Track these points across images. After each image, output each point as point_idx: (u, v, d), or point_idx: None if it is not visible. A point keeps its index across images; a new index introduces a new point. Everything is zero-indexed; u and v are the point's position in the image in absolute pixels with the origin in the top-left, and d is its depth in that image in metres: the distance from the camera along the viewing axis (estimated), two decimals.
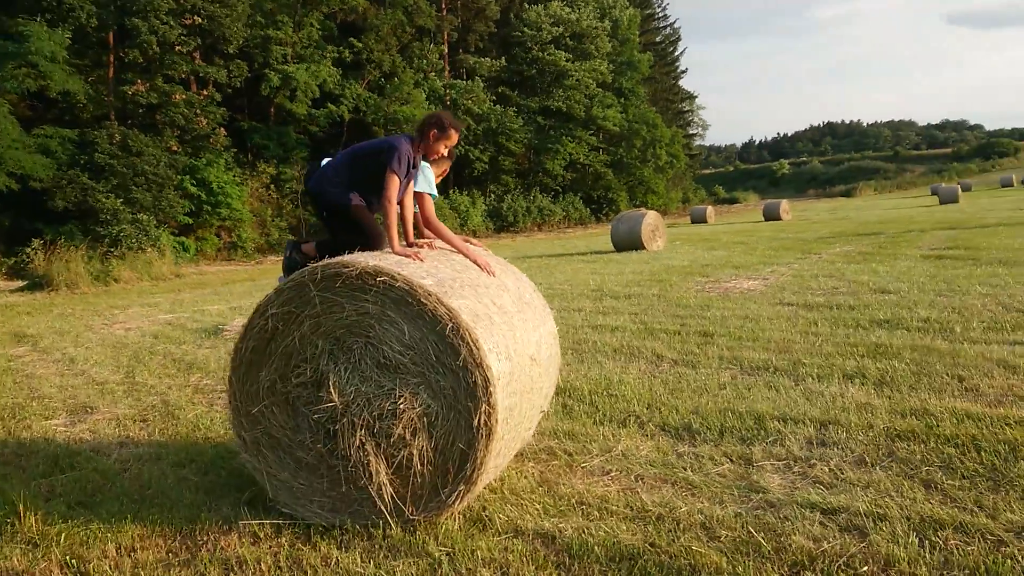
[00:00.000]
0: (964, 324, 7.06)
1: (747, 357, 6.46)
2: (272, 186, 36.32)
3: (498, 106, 44.34)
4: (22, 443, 5.24)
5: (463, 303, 3.51)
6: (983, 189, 60.01)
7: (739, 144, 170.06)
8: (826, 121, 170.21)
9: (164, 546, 3.48)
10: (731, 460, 4.12)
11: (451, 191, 43.35)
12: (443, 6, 43.71)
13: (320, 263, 3.61)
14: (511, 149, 45.18)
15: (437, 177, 4.58)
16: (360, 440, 3.49)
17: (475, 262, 4.12)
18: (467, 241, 4.43)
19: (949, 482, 3.58)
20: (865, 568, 2.85)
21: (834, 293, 9.77)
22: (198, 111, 31.29)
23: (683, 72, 70.20)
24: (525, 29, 45.85)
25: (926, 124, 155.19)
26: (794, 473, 3.89)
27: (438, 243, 4.37)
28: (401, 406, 3.45)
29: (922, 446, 4.06)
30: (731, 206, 65.70)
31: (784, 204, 38.72)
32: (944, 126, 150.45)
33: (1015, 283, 9.31)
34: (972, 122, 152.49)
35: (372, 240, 4.08)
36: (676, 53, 68.20)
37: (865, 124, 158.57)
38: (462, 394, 3.40)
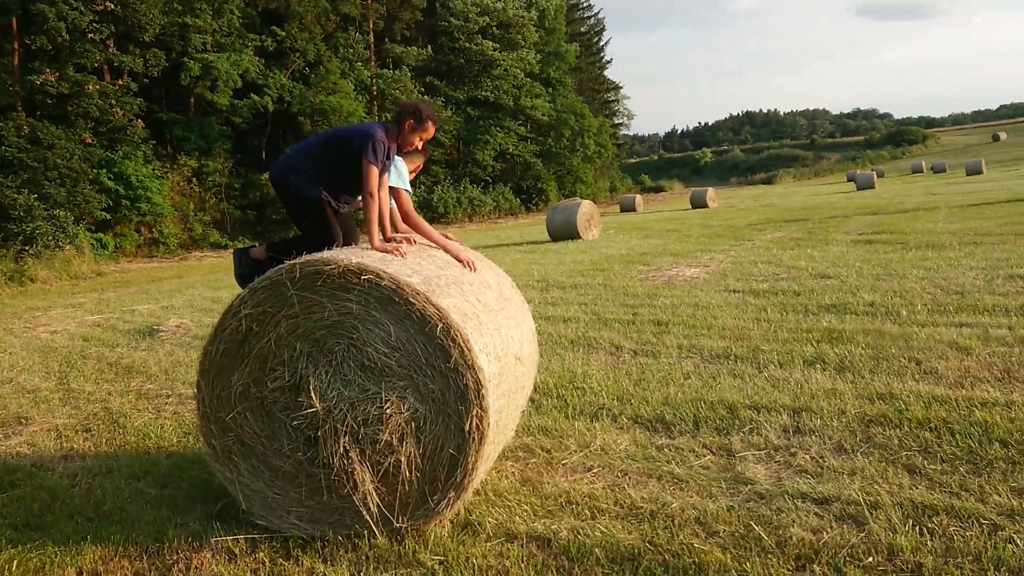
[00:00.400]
0: (908, 307, 7.23)
1: (705, 345, 6.48)
2: (194, 180, 35.11)
3: (426, 96, 43.87)
4: None
5: (451, 302, 3.36)
6: (895, 175, 62.42)
7: (662, 133, 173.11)
8: (745, 111, 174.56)
9: (130, 567, 3.24)
10: (711, 451, 4.09)
11: None
12: None
13: (299, 260, 3.39)
14: (440, 139, 44.75)
15: (411, 173, 4.39)
16: (344, 447, 3.31)
17: (457, 258, 3.97)
18: (445, 236, 4.25)
19: (931, 467, 3.61)
20: (870, 559, 2.84)
21: (776, 279, 9.93)
22: (113, 102, 29.93)
23: (608, 62, 70.87)
24: (452, 19, 45.45)
25: (839, 113, 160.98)
26: (777, 463, 3.88)
27: (416, 238, 4.19)
28: (388, 411, 3.28)
29: (897, 431, 4.10)
30: (657, 194, 66.67)
31: (711, 192, 39.47)
32: (856, 115, 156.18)
33: (947, 266, 9.63)
34: (882, 111, 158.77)
35: (330, 236, 3.87)
36: (601, 44, 68.71)
37: (782, 113, 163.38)
38: (451, 397, 3.25)
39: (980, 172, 45.99)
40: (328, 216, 3.89)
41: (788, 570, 2.83)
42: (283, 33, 37.05)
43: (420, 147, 4.14)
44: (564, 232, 21.04)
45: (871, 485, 3.46)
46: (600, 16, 69.20)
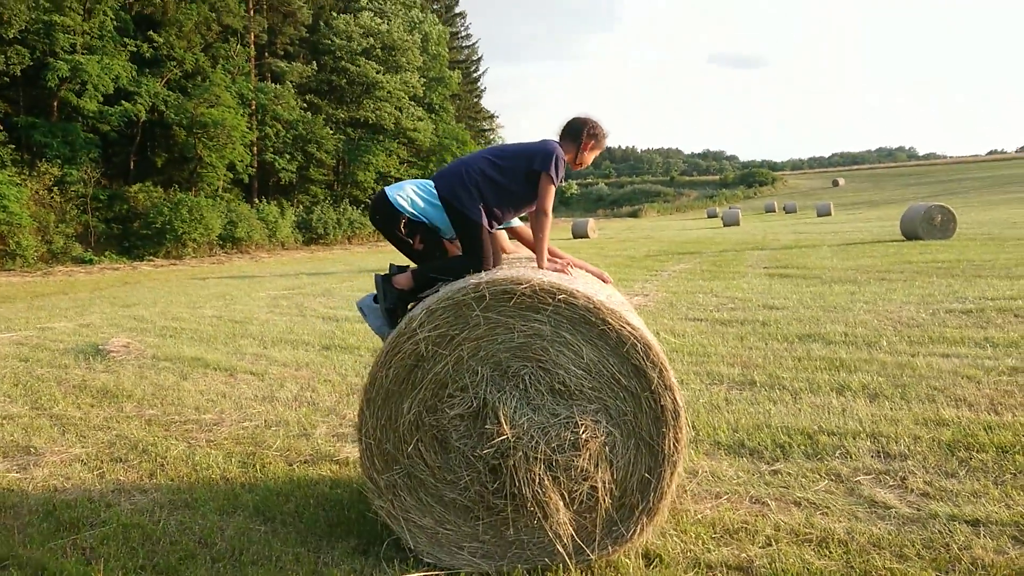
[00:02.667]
0: (880, 338, 7.70)
1: (720, 372, 6.64)
2: (56, 189, 32.50)
3: (308, 114, 42.86)
4: None
5: (636, 321, 3.30)
6: (750, 213, 66.48)
7: None
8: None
9: None
10: (822, 476, 4.20)
11: (257, 200, 41.23)
12: (251, 6, 41.55)
13: (483, 279, 3.22)
14: (321, 159, 43.81)
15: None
16: (538, 475, 3.17)
17: (600, 277, 3.92)
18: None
19: None
20: None
21: (728, 309, 10.33)
22: None
23: (484, 91, 71.65)
24: (335, 37, 44.71)
25: (691, 153, 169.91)
26: (893, 487, 4.03)
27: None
28: (584, 435, 3.17)
29: (983, 454, 4.36)
30: (528, 224, 67.76)
31: (591, 222, 40.62)
32: (706, 155, 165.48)
33: (880, 300, 10.33)
34: (729, 153, 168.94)
35: (486, 265, 3.67)
36: (478, 73, 69.51)
37: (639, 150, 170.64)
38: (645, 419, 3.19)
39: (829, 214, 49.82)
40: (487, 241, 3.70)
41: None
42: (160, 39, 35.25)
43: (585, 167, 4.03)
44: None
45: (1006, 507, 3.66)
46: (477, 46, 69.95)
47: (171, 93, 36.02)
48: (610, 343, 3.19)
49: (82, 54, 31.83)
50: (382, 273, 3.80)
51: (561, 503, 3.20)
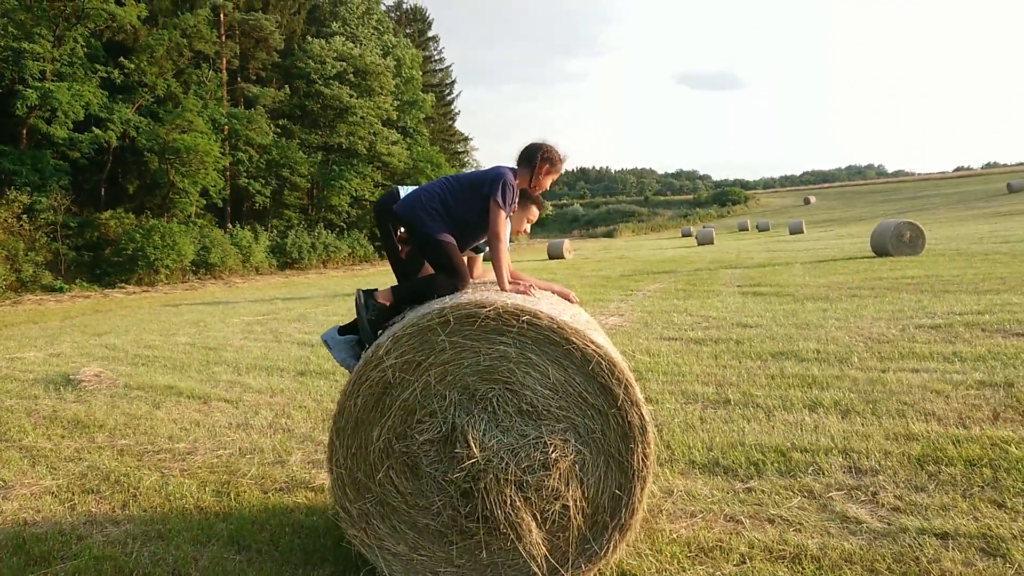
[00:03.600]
0: (850, 355, 7.80)
1: (695, 391, 6.70)
2: (25, 217, 32.10)
3: (282, 139, 42.80)
4: None
5: (601, 339, 3.34)
6: (724, 232, 67.09)
7: None
8: (579, 167, 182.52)
9: None
10: (794, 493, 4.25)
11: (230, 225, 41.00)
12: (222, 32, 41.54)
13: (448, 304, 3.26)
14: (295, 183, 43.74)
15: (516, 231, 4.29)
16: (509, 497, 3.18)
17: (564, 296, 3.99)
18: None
19: (1014, 499, 3.94)
20: None
21: (702, 328, 10.41)
22: None
23: (458, 114, 72.05)
24: (309, 61, 44.78)
25: (664, 173, 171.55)
26: (864, 502, 4.09)
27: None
28: (553, 455, 3.20)
29: (951, 468, 4.43)
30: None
31: (567, 243, 40.77)
32: (679, 175, 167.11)
33: (851, 317, 10.47)
34: (702, 172, 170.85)
35: (460, 280, 3.73)
36: (451, 96, 69.89)
37: (613, 171, 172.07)
38: (613, 436, 3.23)
39: (801, 231, 50.38)
40: (457, 258, 3.75)
41: None
42: (131, 66, 35.10)
43: (547, 187, 4.09)
44: None
45: (974, 520, 3.72)
46: (450, 69, 70.42)
47: (142, 119, 35.84)
48: (575, 362, 3.23)
49: (52, 81, 31.61)
50: (365, 289, 3.85)
51: (533, 524, 3.22)
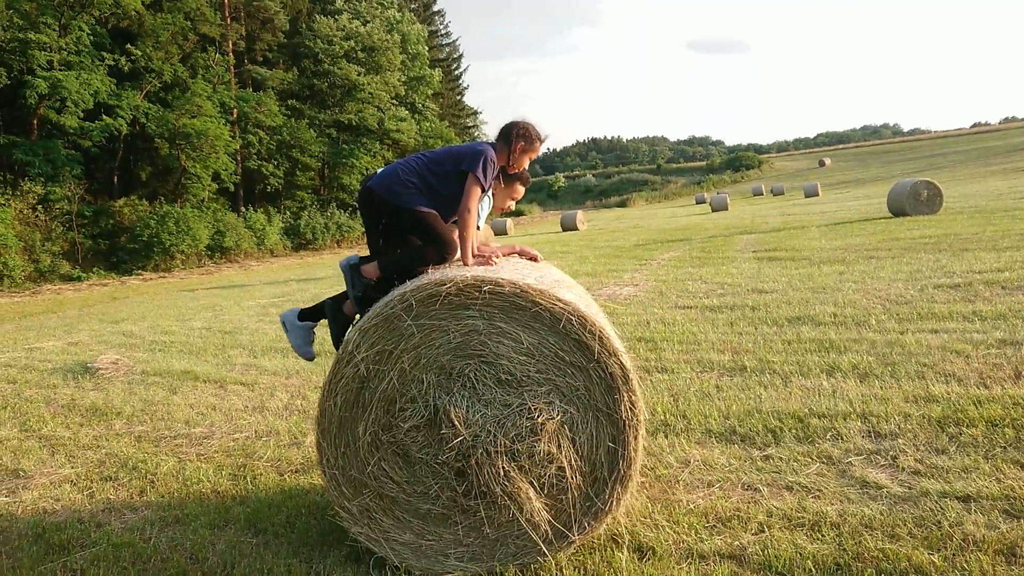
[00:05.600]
0: (869, 317, 7.70)
1: (711, 359, 6.64)
2: (40, 207, 32.34)
3: (291, 120, 42.72)
4: None
5: (569, 295, 3.29)
6: (739, 198, 66.53)
7: None
8: (590, 137, 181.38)
9: None
10: (813, 459, 4.20)
11: (243, 208, 41.10)
12: (227, 14, 41.35)
13: (408, 287, 3.22)
14: (306, 163, 43.71)
15: (500, 208, 4.24)
16: (502, 468, 3.16)
17: (528, 255, 4.02)
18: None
19: None
20: None
21: (717, 295, 10.32)
22: None
23: (466, 88, 71.63)
24: (317, 40, 44.54)
25: (676, 140, 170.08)
26: (885, 467, 4.03)
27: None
28: (540, 419, 3.16)
29: (973, 429, 4.36)
30: (519, 218, 67.83)
31: (580, 214, 40.57)
32: (692, 141, 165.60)
33: (869, 279, 10.33)
34: (715, 138, 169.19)
35: (446, 248, 3.68)
36: (459, 70, 69.44)
37: (625, 140, 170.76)
38: (597, 390, 3.20)
39: (817, 194, 49.86)
40: (441, 226, 3.71)
41: (1001, 564, 2.94)
42: (138, 52, 35.07)
43: (527, 166, 4.03)
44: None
45: (997, 481, 3.66)
46: (457, 43, 69.88)
47: (151, 106, 35.86)
48: (545, 323, 3.18)
49: (60, 70, 31.65)
50: (351, 263, 3.81)
51: (532, 491, 3.20)
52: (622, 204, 76.93)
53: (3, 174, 31.96)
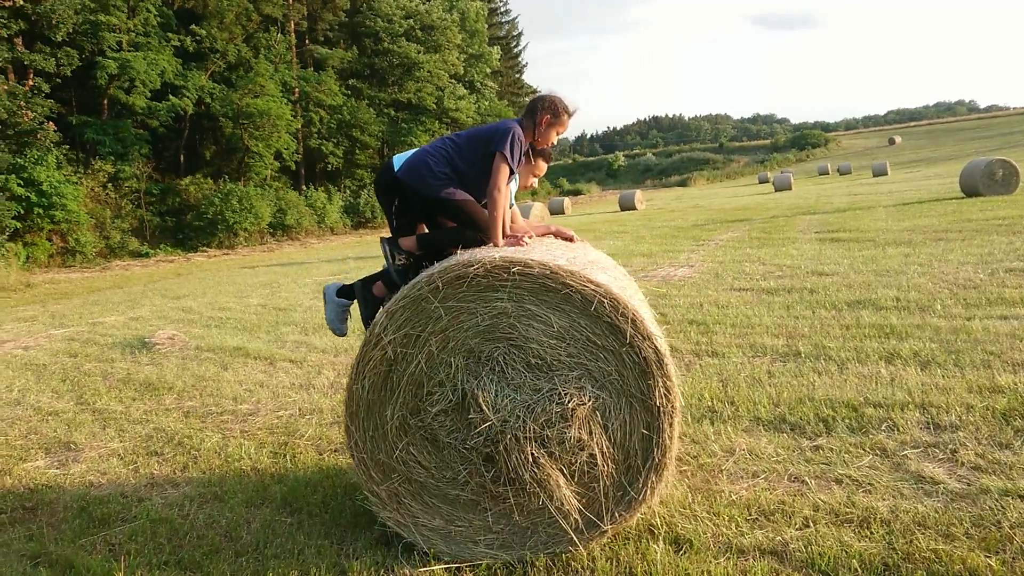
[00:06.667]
0: (934, 302, 7.37)
1: (764, 344, 6.43)
2: (110, 185, 33.32)
3: (351, 99, 43.06)
4: (15, 493, 4.33)
5: (603, 277, 3.16)
6: (804, 177, 64.85)
7: (572, 138, 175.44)
8: (651, 115, 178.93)
9: None
10: (867, 451, 4.01)
11: (304, 187, 41.69)
12: None
13: (435, 269, 3.13)
14: (365, 142, 44.03)
15: (524, 187, 4.13)
16: (531, 454, 3.06)
17: (565, 236, 3.93)
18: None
19: None
20: None
21: (775, 277, 10.02)
22: (22, 103, 28.08)
23: (525, 66, 71.15)
24: (377, 19, 44.70)
25: (740, 118, 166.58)
26: (943, 460, 3.82)
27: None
28: (570, 404, 3.05)
29: None
30: (576, 197, 67.35)
31: (638, 194, 40.01)
32: (756, 119, 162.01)
33: (936, 262, 9.91)
34: (779, 116, 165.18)
35: (490, 231, 3.59)
36: (518, 48, 69.02)
37: (687, 118, 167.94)
38: (630, 375, 3.07)
39: (885, 173, 48.24)
40: (478, 210, 3.62)
41: None
42: (203, 33, 35.71)
43: (555, 142, 3.91)
44: None
45: None
46: (516, 21, 69.41)
47: (216, 86, 36.53)
48: (576, 305, 3.06)
49: (128, 51, 32.43)
50: (389, 237, 3.76)
51: (562, 479, 3.10)
52: (682, 183, 75.68)
53: (76, 153, 32.95)
